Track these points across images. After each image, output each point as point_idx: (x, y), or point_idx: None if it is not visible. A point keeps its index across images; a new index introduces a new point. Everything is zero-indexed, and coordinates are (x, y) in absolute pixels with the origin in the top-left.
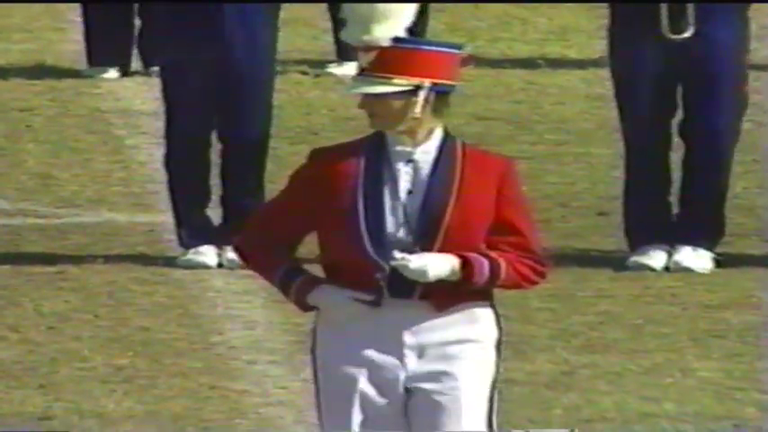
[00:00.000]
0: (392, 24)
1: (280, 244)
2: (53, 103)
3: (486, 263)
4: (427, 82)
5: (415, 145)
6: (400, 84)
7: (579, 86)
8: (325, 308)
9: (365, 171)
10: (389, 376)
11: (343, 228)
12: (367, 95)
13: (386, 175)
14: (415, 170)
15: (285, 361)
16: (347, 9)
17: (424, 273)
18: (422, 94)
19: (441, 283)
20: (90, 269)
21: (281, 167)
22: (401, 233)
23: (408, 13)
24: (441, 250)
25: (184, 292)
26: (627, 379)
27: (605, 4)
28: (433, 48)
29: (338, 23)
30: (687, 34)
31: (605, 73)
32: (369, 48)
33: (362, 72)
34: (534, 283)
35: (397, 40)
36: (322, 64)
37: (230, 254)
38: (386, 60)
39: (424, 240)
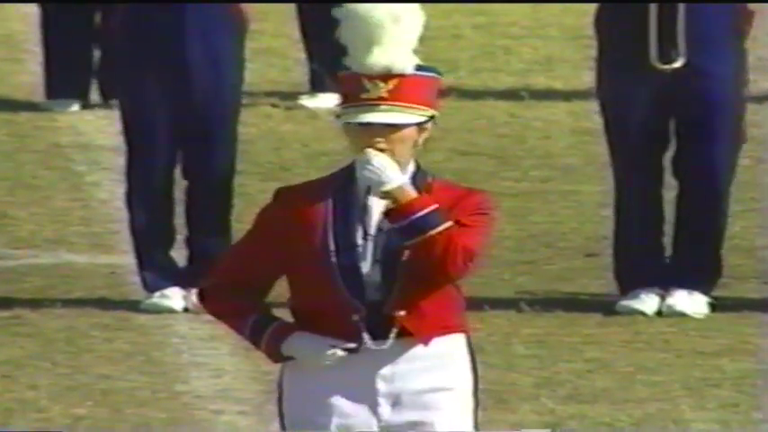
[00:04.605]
0: (403, 49)
1: (248, 290)
2: (9, 137)
3: (434, 207)
4: (437, 112)
5: None
6: (422, 114)
7: (565, 120)
8: (303, 357)
9: (334, 209)
10: (362, 426)
11: (315, 269)
12: (384, 125)
13: (356, 212)
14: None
15: (254, 411)
16: (355, 33)
17: (383, 169)
18: (431, 125)
19: (417, 319)
20: (48, 314)
21: (250, 205)
22: (374, 272)
23: (415, 36)
24: (404, 287)
25: (147, 338)
26: (617, 430)
27: (592, 34)
28: (436, 75)
29: (312, 53)
30: (677, 64)
31: (593, 105)
32: (386, 75)
33: (373, 100)
34: (455, 258)
35: (419, 67)
36: (294, 96)
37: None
38: (407, 88)
39: (388, 276)
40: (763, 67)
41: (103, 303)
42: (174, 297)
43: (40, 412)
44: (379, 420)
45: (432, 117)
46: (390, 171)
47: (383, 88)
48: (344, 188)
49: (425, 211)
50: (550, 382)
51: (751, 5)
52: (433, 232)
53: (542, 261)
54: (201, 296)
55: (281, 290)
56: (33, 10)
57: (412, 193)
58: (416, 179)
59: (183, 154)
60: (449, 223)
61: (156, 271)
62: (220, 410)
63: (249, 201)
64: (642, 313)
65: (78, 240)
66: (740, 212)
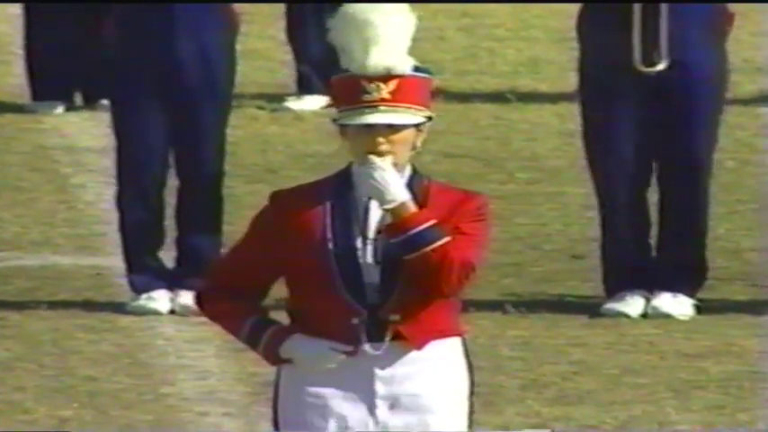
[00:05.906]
0: (401, 50)
1: (245, 293)
2: None
3: (432, 223)
4: (432, 113)
5: None
6: (421, 114)
7: (551, 122)
8: (301, 360)
9: (332, 212)
10: (359, 428)
11: (315, 273)
12: (386, 126)
13: (355, 215)
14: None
15: (240, 413)
16: (353, 36)
17: (387, 186)
18: (426, 127)
19: (412, 324)
20: (33, 315)
21: (237, 207)
22: (374, 274)
23: (409, 36)
24: (403, 291)
25: (133, 339)
26: None
27: (576, 36)
28: (430, 76)
29: (299, 55)
30: (660, 67)
31: (578, 108)
32: (386, 77)
33: (375, 102)
34: (449, 277)
35: (416, 69)
36: (279, 98)
37: (183, 299)
38: (407, 89)
39: (388, 280)
40: (747, 69)
41: (89, 305)
42: (161, 299)
43: (25, 414)
44: (377, 422)
45: (429, 118)
46: (394, 188)
47: (384, 90)
48: (342, 191)
49: (423, 226)
50: (536, 384)
51: (731, 8)
52: (427, 249)
53: (528, 263)
54: (199, 299)
55: (276, 293)
56: (18, 11)
57: (412, 207)
58: (413, 182)
59: (175, 154)
60: (445, 239)
61: (145, 272)
62: (206, 412)
63: (235, 203)
64: (627, 315)
65: (64, 242)
66: (726, 214)
